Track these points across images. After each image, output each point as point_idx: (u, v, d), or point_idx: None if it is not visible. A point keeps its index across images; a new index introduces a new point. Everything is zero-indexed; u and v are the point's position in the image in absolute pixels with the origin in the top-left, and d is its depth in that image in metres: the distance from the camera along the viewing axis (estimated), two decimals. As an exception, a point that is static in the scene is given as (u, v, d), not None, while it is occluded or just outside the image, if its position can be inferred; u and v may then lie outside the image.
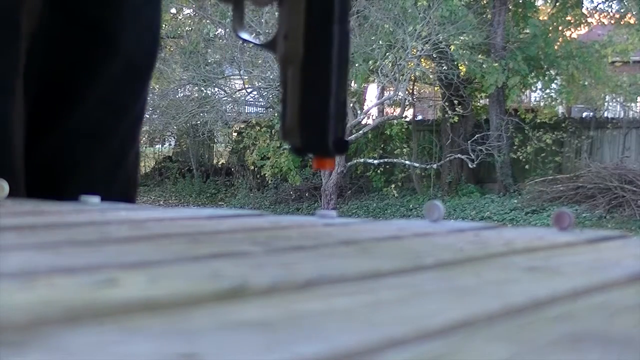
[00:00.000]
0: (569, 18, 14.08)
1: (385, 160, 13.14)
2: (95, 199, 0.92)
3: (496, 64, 12.32)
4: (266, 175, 13.69)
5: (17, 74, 1.06)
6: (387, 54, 11.94)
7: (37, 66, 1.09)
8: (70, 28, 1.12)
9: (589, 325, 0.38)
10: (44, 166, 1.12)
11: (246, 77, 13.20)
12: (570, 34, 14.26)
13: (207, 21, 13.59)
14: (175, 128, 15.47)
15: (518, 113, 13.42)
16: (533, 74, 13.14)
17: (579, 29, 14.68)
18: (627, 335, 0.36)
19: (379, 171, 13.65)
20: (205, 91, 14.04)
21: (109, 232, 0.66)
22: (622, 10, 14.52)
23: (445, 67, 12.27)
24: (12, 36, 1.06)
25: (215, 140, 16.41)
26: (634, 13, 14.11)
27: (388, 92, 12.82)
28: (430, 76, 13.36)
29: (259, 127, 13.90)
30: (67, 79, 1.13)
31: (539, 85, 13.75)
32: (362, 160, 13.24)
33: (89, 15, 1.13)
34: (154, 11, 1.22)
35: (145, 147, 16.03)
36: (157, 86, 13.55)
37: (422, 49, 11.97)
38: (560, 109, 14.61)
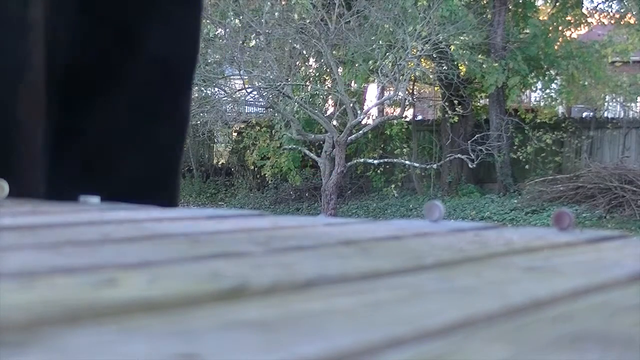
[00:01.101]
0: (569, 18, 14.07)
1: (385, 160, 13.13)
2: (95, 199, 0.92)
3: (496, 64, 12.31)
4: (266, 175, 13.69)
5: (26, 67, 1.05)
6: (387, 54, 11.93)
7: (63, 67, 1.08)
8: (97, 29, 1.11)
9: (589, 325, 0.38)
10: (76, 165, 1.10)
11: (246, 77, 13.17)
12: (570, 34, 14.25)
13: (207, 21, 13.58)
14: (175, 128, 15.44)
15: (518, 113, 13.42)
16: (533, 74, 13.14)
17: (579, 29, 14.68)
18: (627, 335, 0.36)
19: (379, 171, 13.64)
20: (205, 91, 14.02)
21: (109, 232, 0.66)
22: (622, 10, 14.51)
23: (445, 67, 12.26)
24: (19, 30, 1.05)
25: (215, 140, 16.39)
26: (634, 13, 14.10)
27: (388, 92, 12.81)
28: (430, 76, 13.35)
29: (259, 127, 13.89)
30: (94, 81, 1.12)
31: (539, 85, 13.75)
32: (362, 160, 13.23)
33: (116, 18, 1.12)
34: (190, 16, 1.18)
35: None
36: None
37: (422, 49, 11.96)
38: (560, 109, 14.61)
